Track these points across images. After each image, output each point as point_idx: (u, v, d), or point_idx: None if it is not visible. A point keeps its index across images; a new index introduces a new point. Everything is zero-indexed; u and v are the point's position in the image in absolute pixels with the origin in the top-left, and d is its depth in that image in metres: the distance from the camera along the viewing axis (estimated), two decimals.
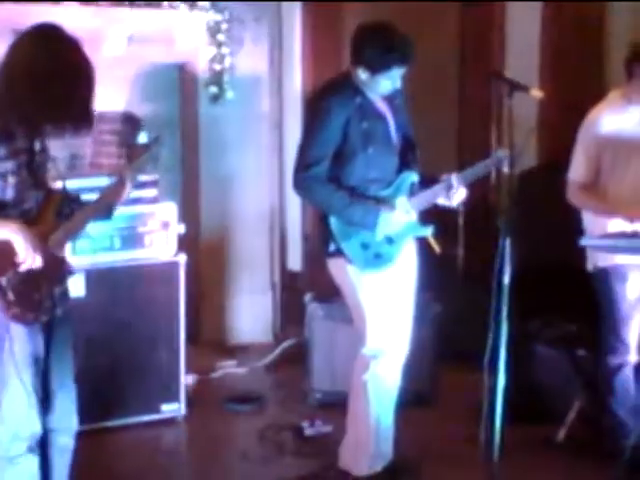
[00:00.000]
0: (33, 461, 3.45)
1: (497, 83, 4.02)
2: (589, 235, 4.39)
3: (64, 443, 3.59)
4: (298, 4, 6.44)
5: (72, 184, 3.56)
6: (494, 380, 3.79)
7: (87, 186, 4.05)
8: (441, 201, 4.18)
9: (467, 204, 4.38)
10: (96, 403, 4.53)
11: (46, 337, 3.42)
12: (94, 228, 4.16)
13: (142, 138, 3.60)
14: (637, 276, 4.34)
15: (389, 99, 4.18)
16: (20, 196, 3.30)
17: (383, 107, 4.17)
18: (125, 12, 5.53)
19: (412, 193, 4.17)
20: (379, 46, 3.98)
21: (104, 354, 4.73)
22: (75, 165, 5.35)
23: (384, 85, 4.08)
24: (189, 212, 5.83)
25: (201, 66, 5.92)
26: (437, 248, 4.29)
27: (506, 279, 3.75)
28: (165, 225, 4.89)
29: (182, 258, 4.91)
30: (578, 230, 4.44)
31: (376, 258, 4.11)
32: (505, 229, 3.75)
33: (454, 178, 4.11)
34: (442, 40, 6.81)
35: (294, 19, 6.46)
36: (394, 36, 4.00)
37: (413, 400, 4.77)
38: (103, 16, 5.42)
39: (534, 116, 5.93)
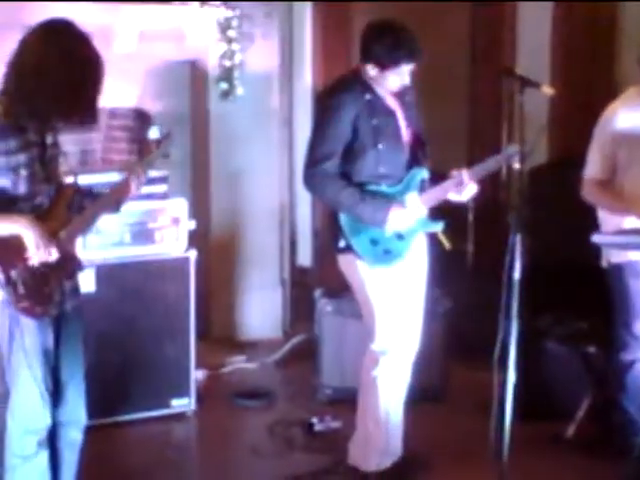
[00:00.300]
0: (43, 455, 3.46)
1: (508, 80, 4.02)
2: (604, 232, 4.37)
3: (73, 437, 3.61)
4: (308, 1, 6.43)
5: (83, 179, 3.58)
6: (504, 376, 3.80)
7: (98, 182, 4.06)
8: (452, 197, 4.17)
9: (477, 200, 4.38)
10: (106, 398, 4.55)
11: (56, 331, 3.44)
12: (105, 223, 4.18)
13: (153, 134, 3.60)
14: None
15: (399, 95, 4.18)
16: (32, 190, 3.31)
17: (393, 103, 4.17)
18: (136, 8, 5.54)
19: (422, 189, 4.16)
20: (388, 43, 3.99)
21: (114, 349, 4.74)
22: (86, 161, 5.36)
23: (393, 81, 4.08)
24: (199, 208, 5.83)
25: (211, 62, 5.92)
26: (447, 244, 4.29)
27: (516, 275, 3.75)
28: (175, 221, 4.90)
29: (192, 254, 4.92)
30: (589, 227, 4.43)
31: (386, 254, 4.11)
32: (515, 225, 3.75)
33: (465, 174, 4.10)
34: (453, 39, 6.80)
35: (304, 16, 6.46)
36: (402, 33, 4.02)
37: (423, 396, 4.77)
38: (114, 12, 5.43)
39: (545, 113, 5.93)
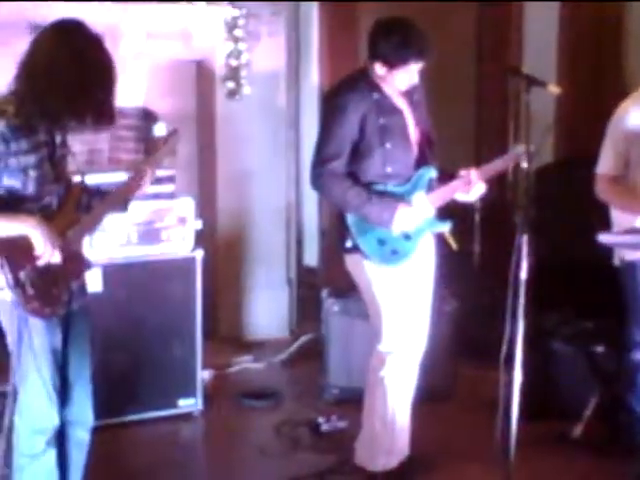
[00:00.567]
0: (51, 455, 3.47)
1: (514, 79, 4.00)
2: (617, 230, 4.36)
3: (81, 437, 3.62)
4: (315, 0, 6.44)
5: (90, 179, 3.58)
6: (510, 376, 3.79)
7: (105, 181, 4.06)
8: (459, 197, 4.16)
9: (484, 200, 4.37)
10: (113, 398, 4.55)
11: (64, 331, 3.45)
12: (111, 223, 4.18)
13: (159, 130, 3.60)
14: None
15: (407, 94, 4.16)
16: (40, 190, 3.32)
17: (401, 102, 4.15)
18: (143, 8, 5.54)
19: (430, 189, 4.14)
20: (396, 41, 3.96)
21: (121, 349, 4.75)
22: (93, 160, 5.37)
23: (401, 80, 4.06)
24: (206, 208, 5.84)
25: (218, 62, 5.92)
26: (454, 244, 4.28)
27: (523, 275, 3.74)
28: (182, 221, 4.90)
29: (199, 254, 4.92)
30: (596, 226, 4.42)
31: (393, 254, 4.10)
32: (522, 225, 3.74)
33: (473, 173, 4.09)
34: (459, 39, 6.80)
35: (311, 15, 6.46)
36: (411, 31, 3.99)
37: (429, 396, 4.76)
38: (121, 12, 5.43)
39: (551, 113, 5.92)
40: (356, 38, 6.20)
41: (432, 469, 4.45)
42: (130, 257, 4.80)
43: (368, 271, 4.14)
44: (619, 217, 4.41)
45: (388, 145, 4.07)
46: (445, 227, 4.22)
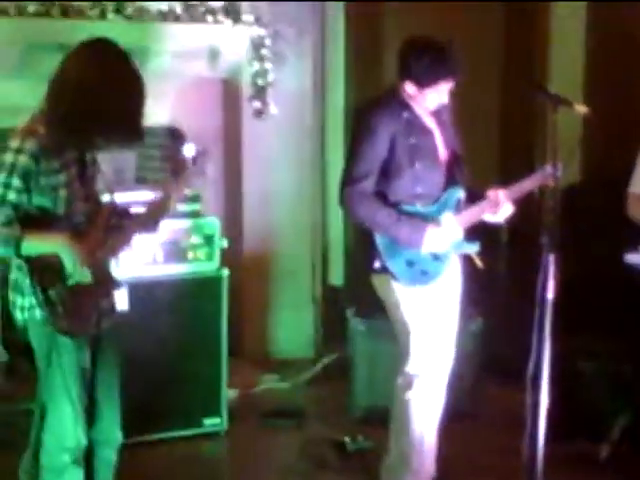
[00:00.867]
0: (78, 474, 3.47)
1: (540, 95, 3.99)
2: None
3: (108, 456, 3.62)
4: (341, 20, 6.45)
5: (119, 198, 3.59)
6: (537, 396, 3.77)
7: (133, 200, 4.07)
8: (487, 217, 4.14)
9: (510, 219, 4.35)
10: (138, 417, 4.53)
11: (92, 350, 3.45)
12: (137, 242, 4.18)
13: (189, 151, 3.61)
14: None
15: (436, 114, 4.14)
16: (70, 209, 3.33)
17: (430, 122, 4.14)
18: (170, 27, 5.57)
19: (458, 209, 4.12)
20: (427, 60, 3.95)
21: (146, 368, 4.74)
22: (120, 179, 5.39)
23: (431, 100, 4.04)
24: (232, 226, 5.84)
25: (244, 81, 5.94)
26: (480, 263, 4.26)
27: (549, 295, 3.72)
28: (208, 239, 4.91)
29: (224, 272, 4.92)
30: (624, 245, 4.40)
31: (422, 275, 4.08)
32: (549, 244, 3.72)
33: (500, 194, 4.07)
34: (485, 56, 6.79)
35: (337, 35, 6.47)
36: (442, 50, 3.97)
37: (455, 415, 4.73)
38: (148, 32, 5.46)
39: (578, 131, 5.90)
40: (382, 57, 6.21)
41: None
42: (156, 276, 4.81)
43: (396, 292, 4.11)
44: None
45: (418, 165, 4.05)
46: (474, 248, 4.19)
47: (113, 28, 5.14)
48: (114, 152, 3.50)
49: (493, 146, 6.89)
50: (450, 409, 4.42)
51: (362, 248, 4.22)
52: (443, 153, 4.16)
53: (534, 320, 3.74)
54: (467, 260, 4.29)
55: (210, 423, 4.98)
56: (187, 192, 3.80)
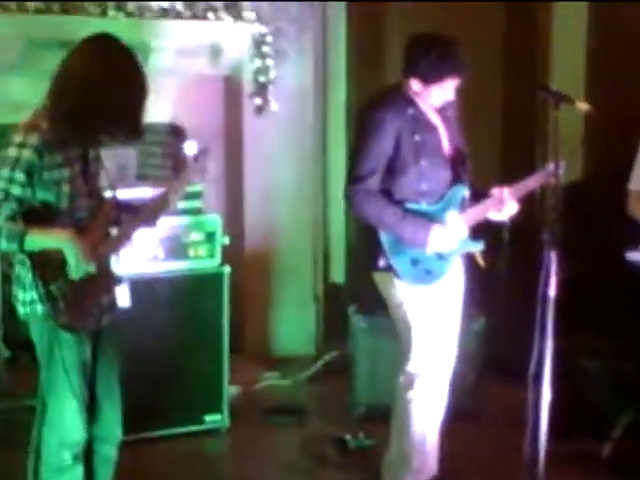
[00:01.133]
0: (78, 470, 3.47)
1: (543, 95, 3.98)
2: None
3: (108, 453, 3.62)
4: (343, 17, 6.44)
5: (121, 194, 3.59)
6: (539, 394, 3.76)
7: (134, 196, 4.07)
8: (492, 216, 4.12)
9: (512, 217, 4.34)
10: (140, 413, 4.53)
11: (93, 346, 3.46)
12: (139, 238, 4.18)
13: (190, 149, 3.61)
14: None
15: (440, 110, 4.11)
16: (73, 205, 3.34)
17: (435, 118, 4.10)
18: (171, 25, 5.56)
19: (462, 208, 4.08)
20: (434, 57, 3.90)
21: (148, 365, 4.74)
22: (121, 176, 5.38)
23: (437, 96, 4.01)
24: (233, 223, 5.84)
25: (246, 78, 5.94)
26: (482, 262, 4.24)
27: (551, 292, 3.71)
28: (209, 236, 4.90)
29: (226, 269, 4.92)
30: (625, 242, 4.39)
31: (427, 274, 4.05)
32: (550, 242, 3.71)
33: (505, 192, 4.05)
34: (487, 54, 6.78)
35: (339, 32, 6.46)
36: (449, 47, 3.94)
37: (457, 414, 4.73)
38: (149, 29, 5.46)
39: (580, 128, 5.90)
40: (383, 54, 6.21)
41: None
42: (157, 272, 4.81)
43: (400, 291, 4.08)
44: None
45: (423, 162, 4.01)
46: (478, 247, 4.16)
47: (114, 25, 5.13)
48: (116, 149, 3.49)
49: (495, 143, 6.89)
50: (452, 408, 4.40)
51: (365, 245, 4.21)
52: (448, 150, 4.12)
53: (536, 318, 3.73)
54: (469, 259, 4.28)
55: (211, 420, 4.98)
56: (188, 189, 3.78)
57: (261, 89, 5.92)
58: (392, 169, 4.00)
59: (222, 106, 6.16)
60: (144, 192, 4.21)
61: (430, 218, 4.02)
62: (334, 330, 6.13)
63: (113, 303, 3.55)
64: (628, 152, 4.70)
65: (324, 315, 6.38)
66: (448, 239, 4.04)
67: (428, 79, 3.95)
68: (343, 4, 6.39)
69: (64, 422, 3.40)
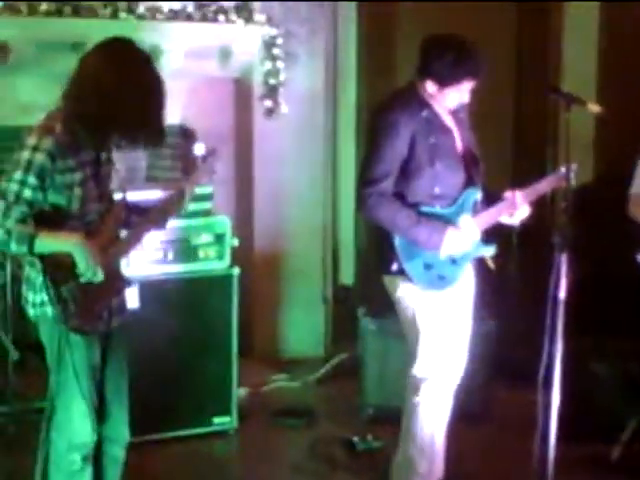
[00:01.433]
0: (87, 472, 3.48)
1: (554, 97, 3.97)
2: None
3: (116, 454, 3.62)
4: (354, 19, 6.44)
5: (131, 196, 3.59)
6: (548, 397, 3.75)
7: (144, 198, 4.07)
8: (504, 219, 4.09)
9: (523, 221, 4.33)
10: (149, 415, 4.55)
11: (102, 348, 3.46)
12: (148, 240, 4.19)
13: (199, 150, 3.62)
14: None
15: (453, 112, 4.07)
16: (84, 208, 3.34)
17: (449, 121, 4.06)
18: (181, 27, 5.57)
19: (475, 211, 4.05)
20: (450, 59, 3.85)
21: (157, 366, 4.74)
22: (131, 178, 5.39)
23: (452, 99, 3.96)
24: (243, 225, 5.84)
25: (256, 80, 5.94)
26: (492, 265, 4.22)
27: (561, 295, 3.70)
28: (219, 238, 4.90)
29: (235, 271, 4.92)
30: (636, 245, 4.38)
31: (439, 279, 4.02)
32: (560, 245, 3.70)
33: (518, 196, 4.02)
34: (498, 55, 6.77)
35: (349, 34, 6.46)
36: (465, 49, 3.88)
37: (466, 417, 4.72)
38: (160, 31, 5.46)
39: (591, 131, 5.89)
40: (394, 56, 6.20)
41: None
42: (167, 274, 4.81)
43: (411, 295, 4.04)
44: None
45: (438, 165, 3.96)
46: (490, 251, 4.13)
47: (125, 27, 5.14)
48: (126, 151, 3.49)
49: (506, 145, 6.87)
50: (460, 411, 4.40)
51: (375, 248, 4.18)
52: (461, 152, 4.08)
53: (546, 321, 3.72)
54: (479, 262, 4.26)
55: (220, 422, 4.98)
56: (198, 191, 3.78)
57: (271, 91, 5.92)
58: (406, 172, 3.96)
59: (232, 108, 6.17)
60: (154, 194, 4.22)
61: (444, 221, 3.98)
62: (343, 332, 6.13)
63: (123, 305, 3.55)
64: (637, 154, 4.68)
65: (333, 317, 6.38)
66: (462, 242, 4.00)
67: (444, 81, 3.90)
68: (354, 4, 6.39)
69: (73, 424, 3.40)
